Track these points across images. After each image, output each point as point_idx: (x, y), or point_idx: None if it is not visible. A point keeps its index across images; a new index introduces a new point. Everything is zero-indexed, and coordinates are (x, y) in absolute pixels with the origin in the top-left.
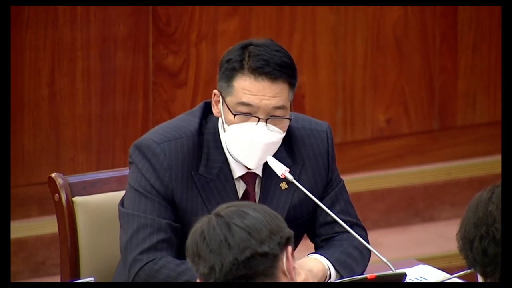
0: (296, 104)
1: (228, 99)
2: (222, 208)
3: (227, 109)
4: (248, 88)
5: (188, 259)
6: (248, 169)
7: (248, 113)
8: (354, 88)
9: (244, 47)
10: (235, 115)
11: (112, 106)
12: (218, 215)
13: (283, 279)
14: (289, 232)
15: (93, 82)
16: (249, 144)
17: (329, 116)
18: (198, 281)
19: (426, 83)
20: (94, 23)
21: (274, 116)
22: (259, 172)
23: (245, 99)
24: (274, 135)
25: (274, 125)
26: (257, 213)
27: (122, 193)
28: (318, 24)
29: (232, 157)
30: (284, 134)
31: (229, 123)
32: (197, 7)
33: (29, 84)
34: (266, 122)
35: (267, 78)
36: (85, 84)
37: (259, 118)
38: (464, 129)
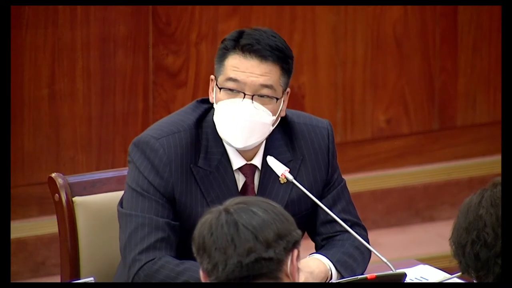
0: (296, 104)
1: (219, 79)
2: (231, 204)
3: (217, 88)
4: (237, 65)
5: (193, 249)
6: (247, 161)
7: (234, 88)
8: (354, 88)
9: (242, 30)
10: (221, 89)
11: (112, 106)
12: (227, 211)
13: (285, 280)
14: (297, 235)
15: (93, 82)
16: (234, 120)
17: (329, 116)
18: (201, 273)
19: (426, 83)
20: (94, 23)
21: (261, 95)
22: (258, 164)
23: (232, 75)
24: (260, 114)
25: (262, 104)
26: (266, 215)
27: (122, 193)
28: (318, 24)
29: (222, 139)
30: (274, 118)
31: (217, 100)
32: (197, 7)
33: (29, 84)
34: (252, 99)
35: (256, 56)
36: (85, 84)
37: (245, 94)
38: (464, 129)
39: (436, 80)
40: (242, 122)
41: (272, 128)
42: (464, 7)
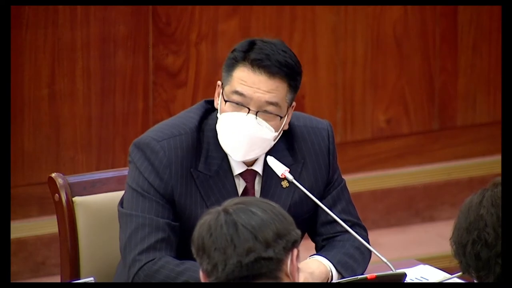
0: (296, 104)
1: (226, 89)
2: (230, 204)
3: (223, 98)
4: (245, 78)
5: (193, 250)
6: (248, 166)
7: (240, 102)
8: (354, 88)
9: (253, 41)
10: (226, 101)
11: (112, 106)
12: (226, 211)
13: (285, 280)
14: (297, 234)
15: (93, 82)
16: (236, 133)
17: (329, 116)
18: (200, 273)
19: (426, 83)
20: (94, 23)
21: (266, 111)
22: (259, 170)
23: (239, 88)
24: (262, 130)
25: (265, 120)
26: (265, 214)
27: (122, 193)
28: (318, 24)
29: (222, 147)
30: (276, 133)
31: (221, 111)
32: (197, 7)
33: (29, 84)
34: (256, 115)
35: (264, 72)
36: (85, 84)
37: (249, 109)
38: (464, 129)
39: (436, 80)
40: (244, 137)
41: (273, 143)
42: (464, 7)
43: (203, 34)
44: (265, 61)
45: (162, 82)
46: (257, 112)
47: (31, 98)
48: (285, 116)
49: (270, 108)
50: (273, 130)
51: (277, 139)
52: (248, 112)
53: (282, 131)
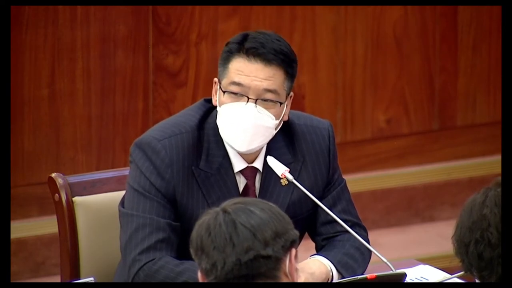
0: (296, 104)
1: (223, 82)
2: (229, 204)
3: (221, 91)
4: (241, 68)
5: (191, 251)
6: (248, 163)
7: (238, 92)
8: (354, 88)
9: (246, 33)
10: (224, 92)
11: (112, 106)
12: (225, 211)
13: (284, 280)
14: (295, 234)
15: (93, 82)
16: (237, 123)
17: (329, 116)
18: (198, 274)
19: (426, 83)
20: (94, 23)
21: (265, 99)
22: (259, 167)
23: (236, 78)
24: (263, 118)
25: (265, 108)
26: (264, 214)
27: (122, 193)
28: (318, 24)
29: (224, 141)
30: (277, 121)
31: (221, 104)
32: (197, 7)
33: (29, 84)
34: (255, 103)
35: (260, 60)
36: (85, 84)
37: (248, 98)
38: (464, 129)
39: (436, 80)
40: (246, 126)
41: (275, 132)
42: (464, 7)
43: (203, 34)
44: (260, 49)
45: (162, 82)
46: (256, 101)
47: (31, 98)
48: (284, 103)
49: (269, 95)
50: (274, 117)
51: (278, 128)
52: (247, 101)
53: (282, 121)
